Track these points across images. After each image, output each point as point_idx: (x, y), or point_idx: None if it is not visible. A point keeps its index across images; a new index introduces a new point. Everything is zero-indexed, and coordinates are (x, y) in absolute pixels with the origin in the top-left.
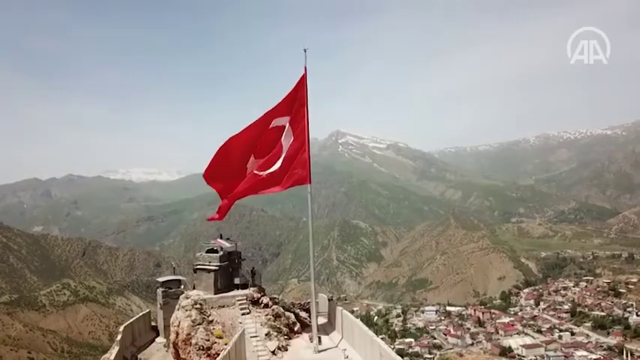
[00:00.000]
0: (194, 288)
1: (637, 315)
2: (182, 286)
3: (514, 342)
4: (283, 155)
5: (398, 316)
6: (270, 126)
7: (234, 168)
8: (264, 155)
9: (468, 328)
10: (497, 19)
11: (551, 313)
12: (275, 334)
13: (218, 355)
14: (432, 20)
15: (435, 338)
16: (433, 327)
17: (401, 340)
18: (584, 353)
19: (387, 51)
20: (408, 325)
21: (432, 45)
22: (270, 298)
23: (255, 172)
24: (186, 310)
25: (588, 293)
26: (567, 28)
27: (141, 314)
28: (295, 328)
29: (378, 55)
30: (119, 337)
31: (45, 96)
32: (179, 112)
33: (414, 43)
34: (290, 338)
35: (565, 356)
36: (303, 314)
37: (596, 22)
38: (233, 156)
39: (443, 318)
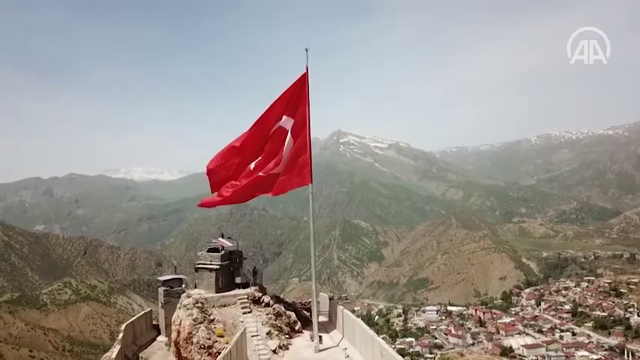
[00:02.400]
0: (195, 287)
1: (638, 315)
2: (183, 285)
3: (515, 342)
4: (286, 156)
5: (399, 315)
6: (274, 127)
7: (236, 166)
8: (267, 156)
9: (469, 328)
10: (497, 19)
11: (553, 313)
12: (276, 333)
13: (219, 353)
14: (432, 20)
15: (435, 338)
16: (434, 327)
17: (402, 339)
18: (585, 353)
19: (388, 51)
20: (409, 325)
21: (432, 45)
22: (274, 297)
23: (260, 173)
24: (188, 309)
25: (589, 293)
26: (567, 28)
27: (142, 313)
28: (296, 327)
29: (379, 54)
30: (121, 335)
31: (47, 95)
32: (181, 111)
33: (414, 43)
34: (291, 337)
35: (566, 356)
36: (304, 313)
37: (596, 22)
38: (237, 154)
39: (444, 318)
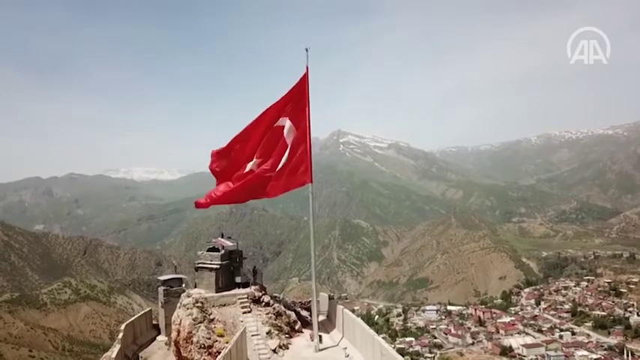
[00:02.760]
0: (195, 286)
1: (638, 315)
2: (183, 285)
3: (515, 341)
4: (286, 156)
5: (398, 315)
6: (272, 128)
7: (235, 166)
8: (267, 156)
9: (469, 328)
10: (497, 19)
11: (552, 312)
12: (276, 332)
13: (219, 353)
14: (432, 20)
15: (435, 337)
16: (434, 326)
17: (402, 339)
18: (585, 353)
19: (388, 51)
20: (409, 325)
21: (432, 45)
22: (274, 297)
23: (259, 173)
24: (188, 309)
25: (589, 293)
26: (567, 28)
27: (142, 313)
28: (296, 327)
29: (379, 54)
30: (121, 335)
31: (47, 95)
32: (181, 111)
33: (414, 43)
34: (291, 337)
35: (565, 356)
36: (304, 313)
37: (596, 22)
38: (236, 153)
39: (443, 317)
